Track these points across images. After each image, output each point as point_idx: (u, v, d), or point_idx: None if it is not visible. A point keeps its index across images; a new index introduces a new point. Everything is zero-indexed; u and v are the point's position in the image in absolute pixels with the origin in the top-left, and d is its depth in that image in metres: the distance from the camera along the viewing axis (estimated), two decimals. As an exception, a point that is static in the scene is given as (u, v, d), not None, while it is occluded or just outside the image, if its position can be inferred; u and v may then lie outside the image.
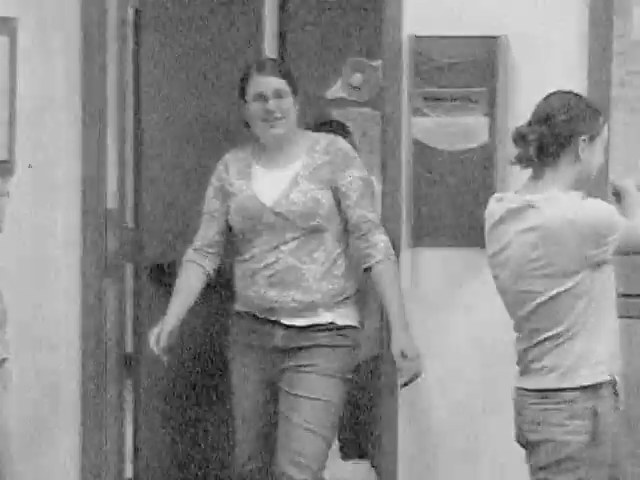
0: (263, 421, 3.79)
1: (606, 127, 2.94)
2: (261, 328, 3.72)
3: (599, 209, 2.94)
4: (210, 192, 3.80)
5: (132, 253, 4.34)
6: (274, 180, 3.74)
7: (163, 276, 4.33)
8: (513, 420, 3.12)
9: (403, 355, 3.46)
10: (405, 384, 3.55)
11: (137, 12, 4.28)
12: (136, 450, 4.32)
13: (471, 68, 3.83)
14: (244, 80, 3.72)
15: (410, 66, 3.77)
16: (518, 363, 3.08)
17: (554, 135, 3.04)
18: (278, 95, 3.62)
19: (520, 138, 3.08)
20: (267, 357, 3.73)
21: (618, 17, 3.87)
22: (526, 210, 2.94)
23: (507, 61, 3.84)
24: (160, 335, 3.62)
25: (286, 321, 3.66)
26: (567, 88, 3.39)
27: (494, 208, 3.10)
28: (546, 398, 2.97)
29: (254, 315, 3.72)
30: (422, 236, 3.80)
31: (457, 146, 3.87)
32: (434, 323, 3.83)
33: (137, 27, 4.30)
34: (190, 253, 3.80)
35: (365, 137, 3.85)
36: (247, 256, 3.71)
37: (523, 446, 3.02)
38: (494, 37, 3.78)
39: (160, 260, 4.32)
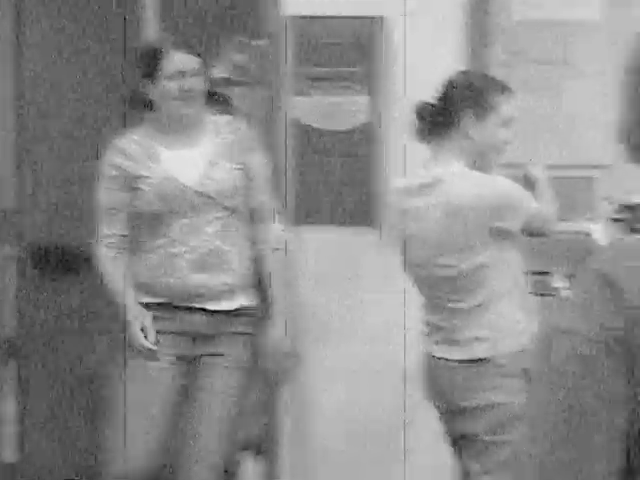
0: (168, 417, 3.81)
1: (506, 106, 3.04)
2: (175, 316, 3.71)
3: (505, 184, 3.08)
4: (108, 184, 3.70)
5: (13, 235, 4.34)
6: (187, 160, 3.72)
7: (46, 259, 4.33)
8: (426, 388, 3.25)
9: (276, 351, 3.57)
10: (279, 381, 3.71)
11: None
12: (22, 435, 4.37)
13: (352, 48, 3.96)
14: (156, 57, 3.66)
15: (292, 46, 3.85)
16: (430, 334, 3.20)
17: (444, 111, 3.17)
18: (195, 73, 3.64)
19: (417, 114, 3.21)
20: (183, 344, 3.74)
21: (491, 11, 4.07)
22: (435, 185, 3.06)
23: (388, 41, 3.94)
24: (146, 329, 3.63)
25: (211, 306, 3.69)
26: (447, 68, 3.49)
27: (402, 184, 3.25)
28: (476, 366, 3.10)
29: (160, 304, 3.70)
30: (304, 215, 3.88)
31: (338, 125, 3.97)
32: (319, 300, 3.90)
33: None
34: (104, 250, 3.71)
35: (248, 117, 3.90)
36: (162, 242, 3.66)
37: (443, 413, 3.18)
38: (374, 17, 3.90)
39: (43, 243, 4.33)
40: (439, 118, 3.24)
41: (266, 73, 4.20)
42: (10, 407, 4.24)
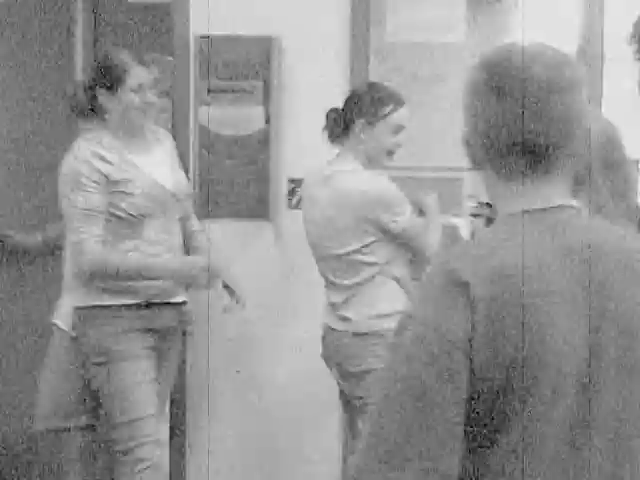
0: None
1: (396, 115, 3.41)
2: (147, 313, 3.81)
3: (385, 183, 3.49)
4: (85, 185, 3.70)
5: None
6: (152, 165, 3.86)
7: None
8: (324, 356, 3.64)
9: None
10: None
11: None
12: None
13: (249, 64, 4.22)
14: (118, 71, 3.74)
15: (196, 62, 4.15)
16: (327, 307, 3.63)
17: (345, 117, 3.59)
18: (152, 86, 3.78)
19: (325, 118, 3.62)
20: (151, 338, 3.85)
21: (374, 23, 4.38)
22: (331, 178, 3.49)
23: (280, 57, 4.26)
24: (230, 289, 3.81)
25: (174, 299, 3.85)
26: (331, 82, 4.09)
27: (309, 177, 3.67)
28: (361, 338, 3.50)
29: (138, 304, 3.78)
30: (207, 209, 4.22)
31: (238, 131, 4.28)
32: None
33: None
34: (97, 247, 3.71)
35: (158, 124, 4.26)
36: (138, 242, 3.77)
37: (337, 378, 3.58)
38: (268, 37, 4.21)
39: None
40: (341, 123, 3.62)
41: (174, 85, 4.45)
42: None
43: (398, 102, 3.43)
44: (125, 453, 3.85)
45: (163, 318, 3.85)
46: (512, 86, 1.76)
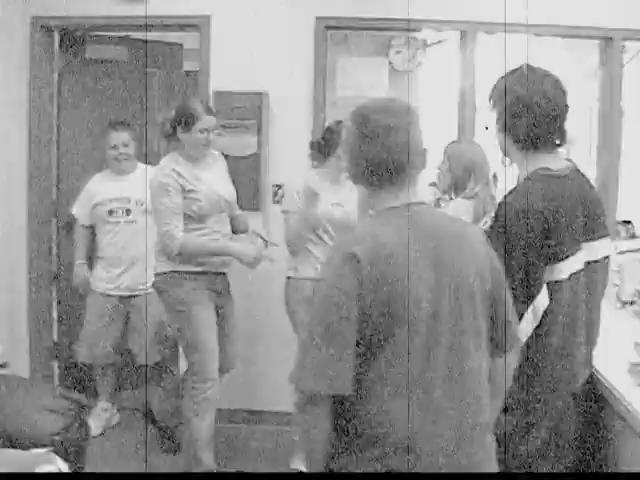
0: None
1: None
2: (210, 278, 4.43)
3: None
4: (170, 192, 4.25)
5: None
6: (211, 179, 4.44)
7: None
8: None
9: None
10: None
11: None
12: None
13: (247, 109, 5.28)
14: (192, 116, 4.28)
15: (215, 108, 4.88)
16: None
17: (323, 146, 4.47)
18: (213, 129, 4.38)
19: (310, 146, 4.53)
20: (214, 295, 4.49)
21: (329, 82, 5.47)
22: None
23: (268, 104, 5.26)
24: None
25: (224, 270, 4.49)
26: (300, 122, 5.00)
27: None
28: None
29: (202, 272, 4.36)
30: None
31: (240, 153, 5.30)
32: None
33: None
34: (186, 235, 4.31)
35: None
36: (206, 231, 4.39)
37: None
38: (260, 93, 5.27)
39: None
40: (324, 150, 4.47)
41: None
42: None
43: None
44: (192, 379, 4.42)
45: (219, 283, 4.52)
46: (371, 130, 2.32)
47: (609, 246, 2.96)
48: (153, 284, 4.53)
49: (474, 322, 2.31)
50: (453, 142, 4.68)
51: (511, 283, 2.60)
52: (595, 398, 3.02)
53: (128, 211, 5.34)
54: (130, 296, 5.40)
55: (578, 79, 6.09)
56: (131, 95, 6.05)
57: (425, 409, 2.23)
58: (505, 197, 2.82)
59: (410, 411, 2.20)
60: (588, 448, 2.99)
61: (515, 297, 2.61)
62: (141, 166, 5.43)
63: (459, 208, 4.29)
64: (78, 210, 5.38)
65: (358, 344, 2.20)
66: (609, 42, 5.51)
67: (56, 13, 5.54)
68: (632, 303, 4.25)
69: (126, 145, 5.26)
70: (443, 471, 2.24)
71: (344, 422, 2.26)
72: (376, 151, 2.30)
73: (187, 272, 4.34)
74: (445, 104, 5.81)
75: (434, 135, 4.83)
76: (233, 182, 4.75)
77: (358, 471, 2.25)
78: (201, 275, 4.37)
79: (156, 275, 4.47)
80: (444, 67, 5.88)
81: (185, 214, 4.31)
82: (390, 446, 2.21)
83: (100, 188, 5.32)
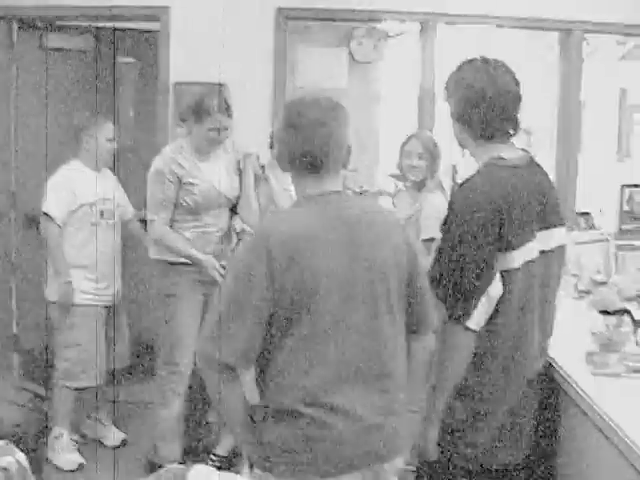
0: None
1: None
2: (198, 268, 4.40)
3: None
4: (164, 182, 4.31)
5: None
6: (213, 173, 4.47)
7: None
8: None
9: None
10: None
11: None
12: None
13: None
14: (205, 112, 4.30)
15: (174, 101, 5.28)
16: None
17: None
18: (226, 128, 4.39)
19: (271, 138, 4.40)
20: (200, 286, 4.48)
21: (289, 73, 5.47)
22: None
23: (228, 95, 4.87)
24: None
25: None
26: (260, 112, 5.03)
27: None
28: None
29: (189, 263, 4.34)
30: None
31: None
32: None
33: None
34: (166, 228, 4.38)
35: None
36: (200, 224, 4.43)
37: None
38: (219, 84, 5.14)
39: None
40: None
41: (158, 116, 5.39)
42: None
43: None
44: (167, 364, 4.51)
45: (207, 273, 4.43)
46: (298, 122, 2.44)
47: (564, 236, 3.00)
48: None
49: (388, 304, 2.46)
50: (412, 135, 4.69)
51: (465, 272, 2.67)
52: (551, 387, 3.05)
53: (104, 213, 5.01)
54: (115, 304, 5.14)
55: (539, 71, 6.15)
56: (99, 85, 5.98)
57: (338, 383, 2.38)
58: (459, 186, 2.86)
59: (323, 384, 2.37)
60: (542, 436, 3.02)
61: (469, 286, 2.67)
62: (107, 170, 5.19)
63: (436, 202, 4.32)
64: (56, 210, 4.80)
65: (271, 323, 2.37)
66: (569, 34, 5.60)
67: (15, 2, 5.52)
68: (588, 293, 4.25)
69: (114, 139, 4.97)
70: (357, 441, 2.41)
71: (263, 393, 2.45)
72: (299, 141, 2.42)
73: (173, 262, 4.44)
74: (406, 95, 5.82)
75: (394, 126, 4.83)
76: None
77: (277, 442, 2.43)
78: (188, 266, 4.42)
79: (153, 261, 4.57)
80: (405, 59, 5.93)
81: (180, 205, 4.38)
82: (304, 417, 2.37)
83: (86, 186, 4.89)
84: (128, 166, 5.51)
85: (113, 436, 5.17)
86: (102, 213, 4.92)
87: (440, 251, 2.79)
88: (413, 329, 2.60)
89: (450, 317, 2.73)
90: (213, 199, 4.46)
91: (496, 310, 2.75)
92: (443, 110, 3.01)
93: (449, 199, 2.86)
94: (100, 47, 6.04)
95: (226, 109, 4.40)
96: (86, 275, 4.88)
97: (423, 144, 4.52)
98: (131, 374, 5.47)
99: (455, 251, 2.69)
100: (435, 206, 4.18)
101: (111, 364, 5.11)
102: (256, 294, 2.35)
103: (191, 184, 4.37)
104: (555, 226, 2.93)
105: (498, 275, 2.73)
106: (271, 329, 2.39)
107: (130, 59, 6.12)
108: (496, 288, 2.71)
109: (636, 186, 5.45)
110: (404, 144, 4.58)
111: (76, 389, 4.89)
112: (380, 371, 2.45)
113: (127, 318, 5.16)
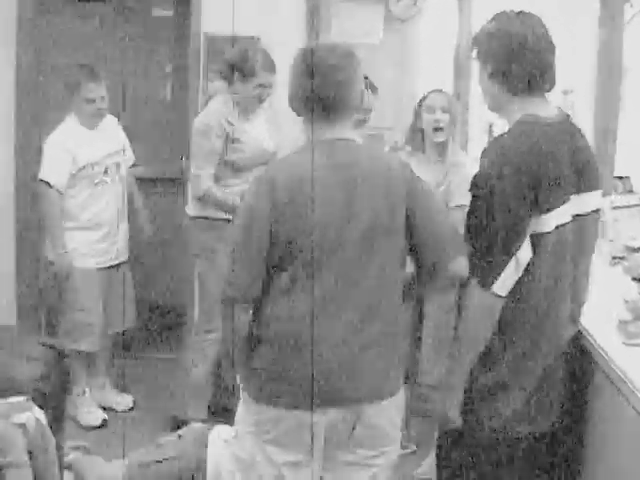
0: None
1: None
2: None
3: None
4: (210, 136, 4.27)
5: None
6: (258, 131, 4.48)
7: None
8: None
9: None
10: None
11: None
12: None
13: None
14: (251, 69, 4.26)
15: (205, 54, 5.23)
16: None
17: None
18: (272, 85, 4.35)
19: None
20: None
21: (323, 29, 5.40)
22: None
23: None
24: None
25: None
26: None
27: None
28: None
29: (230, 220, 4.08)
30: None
31: None
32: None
33: None
34: (211, 183, 4.33)
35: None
36: (242, 181, 4.30)
37: None
38: (252, 37, 5.12)
39: None
40: None
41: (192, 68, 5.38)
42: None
43: None
44: (205, 331, 4.50)
45: None
46: (313, 65, 2.53)
47: (600, 200, 2.91)
48: (183, 226, 4.61)
49: (379, 249, 2.57)
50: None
51: (493, 234, 2.60)
52: (581, 355, 2.97)
53: (109, 170, 4.89)
54: (119, 263, 5.05)
55: (578, 32, 5.85)
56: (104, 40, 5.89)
57: (324, 317, 2.55)
58: (490, 144, 2.78)
59: (308, 317, 2.52)
60: (570, 405, 2.94)
61: (497, 249, 2.60)
62: (108, 115, 4.97)
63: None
64: (55, 176, 4.65)
65: (270, 259, 2.55)
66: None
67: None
68: (623, 259, 4.12)
69: (103, 98, 4.78)
70: (336, 377, 2.57)
71: (256, 323, 2.63)
72: (314, 84, 2.52)
73: (215, 219, 4.42)
74: (443, 54, 5.79)
75: (430, 85, 4.72)
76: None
77: (262, 370, 2.62)
78: (230, 223, 4.24)
79: (189, 218, 4.56)
80: (444, 17, 5.84)
81: (226, 162, 4.37)
82: (287, 348, 2.57)
83: (83, 147, 4.73)
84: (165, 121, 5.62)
85: (122, 401, 5.16)
86: (106, 170, 4.82)
87: (469, 211, 2.72)
88: (427, 280, 2.71)
89: (475, 279, 2.64)
90: (258, 156, 4.43)
91: (525, 275, 2.65)
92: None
93: (481, 156, 2.76)
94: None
95: (270, 66, 4.37)
96: (88, 237, 4.79)
97: (447, 98, 4.37)
98: (142, 334, 5.52)
99: (484, 211, 2.61)
100: (464, 173, 4.02)
101: (116, 326, 5.05)
102: (259, 235, 2.52)
103: (239, 141, 4.36)
104: (591, 190, 2.82)
105: (528, 239, 2.64)
106: (267, 264, 2.56)
107: (166, 12, 6.11)
108: (525, 252, 2.63)
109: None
110: (423, 99, 4.40)
111: (79, 352, 4.85)
112: (368, 308, 2.59)
113: (133, 277, 5.13)
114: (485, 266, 2.62)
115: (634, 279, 3.23)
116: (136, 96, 6.16)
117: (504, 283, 2.62)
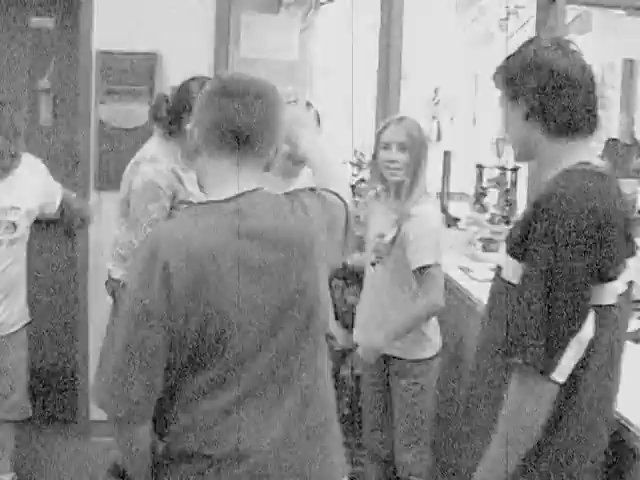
0: None
1: None
2: None
3: None
4: (160, 197, 3.67)
5: None
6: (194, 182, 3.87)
7: None
8: None
9: None
10: None
11: None
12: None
13: (137, 72, 4.79)
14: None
15: (98, 71, 4.75)
16: None
17: None
18: None
19: None
20: None
21: (232, 42, 5.02)
22: None
23: (161, 67, 4.79)
24: None
25: None
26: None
27: None
28: None
29: None
30: (103, 182, 4.78)
31: (126, 125, 4.81)
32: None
33: None
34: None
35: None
36: None
37: None
38: (152, 53, 4.77)
39: None
40: None
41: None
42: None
43: None
44: None
45: None
46: (229, 91, 2.13)
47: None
48: (109, 289, 4.01)
49: (302, 334, 2.17)
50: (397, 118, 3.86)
51: (555, 311, 2.12)
52: (621, 447, 2.46)
53: (14, 225, 3.91)
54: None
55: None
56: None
57: (244, 422, 2.09)
58: (541, 199, 2.20)
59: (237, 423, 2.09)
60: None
61: (558, 329, 2.12)
62: (26, 157, 3.98)
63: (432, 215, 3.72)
64: None
65: (172, 365, 2.04)
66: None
67: None
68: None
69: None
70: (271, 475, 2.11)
71: (166, 436, 2.12)
72: (225, 112, 2.11)
73: None
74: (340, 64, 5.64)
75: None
76: (117, 159, 4.46)
77: None
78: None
79: (112, 280, 3.95)
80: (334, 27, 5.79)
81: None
82: (207, 460, 2.07)
83: None
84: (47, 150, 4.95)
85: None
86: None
87: (523, 282, 2.21)
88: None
89: (530, 367, 2.16)
90: None
91: (584, 356, 2.19)
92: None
93: (529, 216, 2.22)
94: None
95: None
96: None
97: (406, 131, 3.69)
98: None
99: (542, 283, 2.12)
100: (427, 222, 3.57)
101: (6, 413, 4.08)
102: (149, 332, 2.00)
103: (184, 202, 3.74)
104: (634, 253, 2.33)
105: (592, 314, 2.17)
106: (172, 371, 2.06)
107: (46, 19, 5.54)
108: (588, 330, 2.17)
109: None
110: (381, 130, 3.77)
111: None
112: (295, 403, 2.17)
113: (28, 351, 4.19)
114: (542, 350, 2.14)
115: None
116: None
117: (564, 368, 2.16)
